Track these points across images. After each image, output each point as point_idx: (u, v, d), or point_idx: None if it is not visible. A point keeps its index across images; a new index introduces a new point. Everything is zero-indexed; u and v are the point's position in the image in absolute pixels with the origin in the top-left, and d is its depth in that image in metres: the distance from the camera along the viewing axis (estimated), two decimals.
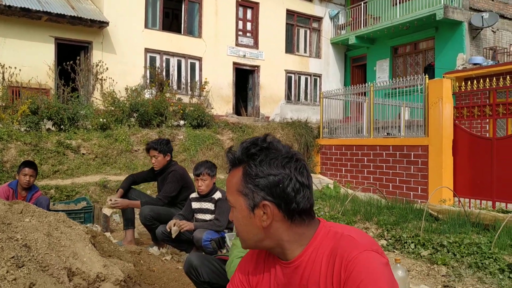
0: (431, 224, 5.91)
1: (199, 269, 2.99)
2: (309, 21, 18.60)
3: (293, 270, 1.31)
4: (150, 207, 4.82)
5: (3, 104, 8.45)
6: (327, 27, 18.84)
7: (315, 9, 18.62)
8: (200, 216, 4.54)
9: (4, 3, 11.50)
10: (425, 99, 9.30)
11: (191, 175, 4.80)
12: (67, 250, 3.38)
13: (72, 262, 3.30)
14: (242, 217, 1.32)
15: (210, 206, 4.49)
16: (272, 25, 17.16)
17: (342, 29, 18.71)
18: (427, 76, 9.47)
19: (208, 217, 4.48)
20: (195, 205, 4.57)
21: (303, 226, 1.31)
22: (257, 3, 17.07)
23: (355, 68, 19.22)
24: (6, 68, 9.95)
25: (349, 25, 18.35)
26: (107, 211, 5.23)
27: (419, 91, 9.53)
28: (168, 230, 4.28)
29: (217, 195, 4.48)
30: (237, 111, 16.98)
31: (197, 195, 4.55)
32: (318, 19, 18.78)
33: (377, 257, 1.20)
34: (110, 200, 4.90)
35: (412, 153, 9.52)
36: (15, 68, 10.09)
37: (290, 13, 17.92)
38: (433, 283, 4.24)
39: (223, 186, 4.53)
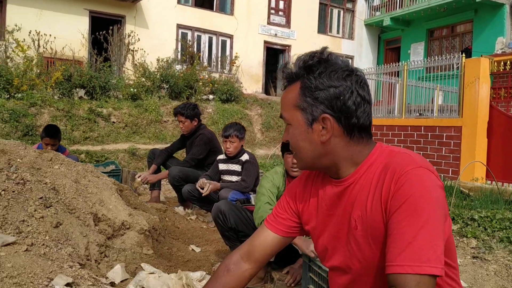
0: (461, 201, 5.74)
1: (227, 214, 3.00)
2: (343, 1, 18.23)
3: (344, 188, 1.28)
4: (179, 168, 4.84)
5: (38, 71, 8.61)
6: (361, 7, 18.42)
7: None
8: (227, 177, 4.53)
9: None
10: (460, 79, 8.98)
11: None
12: (94, 197, 3.43)
13: (98, 209, 3.35)
14: (299, 133, 1.27)
15: (237, 168, 4.47)
16: (305, 5, 16.90)
17: (376, 10, 18.27)
18: (464, 55, 9.14)
19: (234, 178, 4.46)
20: (222, 166, 4.56)
21: (361, 144, 1.27)
22: None
23: (389, 51, 18.78)
24: (42, 35, 10.12)
25: (384, 6, 17.88)
26: (137, 183, 5.17)
27: (454, 74, 9.22)
28: (199, 188, 4.26)
29: (245, 157, 4.45)
30: (267, 90, 16.88)
31: (225, 157, 4.53)
32: (353, 0, 18.38)
33: (432, 177, 1.14)
34: (139, 176, 4.92)
35: (445, 134, 9.25)
36: (50, 35, 10.26)
37: None
38: (462, 254, 4.13)
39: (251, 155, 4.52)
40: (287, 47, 16.83)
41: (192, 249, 3.80)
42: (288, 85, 1.30)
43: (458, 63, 9.10)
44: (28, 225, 2.74)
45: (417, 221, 1.07)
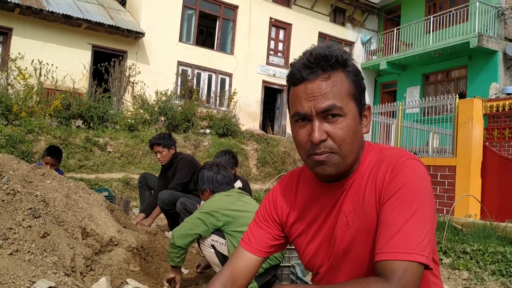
0: (454, 235, 5.72)
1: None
2: (341, 45, 18.72)
3: (345, 189, 1.23)
4: (168, 192, 4.83)
5: (38, 99, 8.73)
6: (358, 51, 18.91)
7: (347, 34, 18.77)
8: None
9: (47, 9, 12.05)
10: (454, 119, 9.13)
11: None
12: (84, 212, 3.42)
13: (87, 223, 3.34)
14: (354, 125, 1.16)
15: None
16: (304, 47, 16.75)
17: (373, 55, 18.74)
18: (457, 96, 9.33)
19: None
20: None
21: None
22: (290, 24, 17.33)
23: (385, 94, 19.12)
24: (44, 64, 10.33)
25: (380, 50, 18.36)
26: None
27: (449, 118, 9.37)
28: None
29: (238, 184, 4.48)
30: (264, 128, 17.04)
31: None
32: (350, 44, 18.89)
33: (424, 169, 1.15)
34: (137, 223, 4.88)
35: (439, 173, 9.30)
36: (52, 65, 10.47)
37: (322, 36, 18.09)
38: (454, 285, 4.08)
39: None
40: (285, 87, 17.09)
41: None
42: (331, 72, 1.15)
43: (452, 104, 9.28)
44: (15, 233, 2.73)
45: (409, 209, 1.06)
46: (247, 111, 15.87)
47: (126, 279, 3.05)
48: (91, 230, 3.29)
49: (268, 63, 16.86)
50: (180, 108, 10.43)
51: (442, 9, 16.51)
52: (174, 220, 4.82)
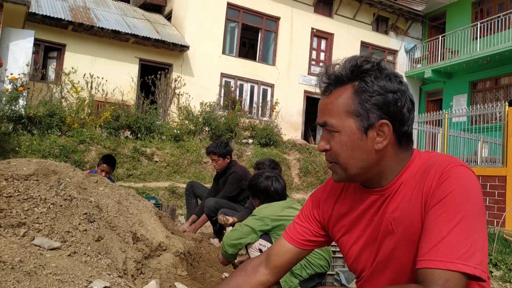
0: (505, 248, 5.52)
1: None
2: (384, 54, 18.50)
3: (385, 197, 1.23)
4: (214, 199, 4.95)
5: (89, 111, 9.15)
6: (402, 60, 18.61)
7: (390, 42, 18.53)
8: None
9: (98, 25, 12.63)
10: (504, 128, 8.81)
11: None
12: (134, 218, 3.57)
13: (138, 229, 3.49)
14: (350, 141, 1.18)
15: None
16: (346, 56, 17.13)
17: (417, 63, 18.39)
18: (507, 103, 9.01)
19: None
20: None
21: (407, 151, 1.23)
22: (332, 34, 17.31)
23: (430, 103, 18.67)
24: (95, 78, 10.85)
25: (425, 58, 18.00)
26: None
27: (498, 126, 9.06)
28: (219, 222, 4.42)
29: None
30: (306, 138, 17.01)
31: None
32: (393, 52, 18.63)
33: (473, 176, 1.12)
34: (184, 231, 5.03)
35: (488, 184, 8.99)
36: (102, 78, 10.96)
37: (364, 45, 17.95)
38: None
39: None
40: None
41: (225, 277, 3.84)
42: (333, 88, 1.20)
43: (501, 112, 8.97)
44: (72, 236, 2.90)
45: (454, 217, 1.03)
46: (289, 121, 15.92)
47: (174, 283, 3.16)
48: (141, 235, 3.44)
49: (310, 73, 16.88)
50: (223, 118, 10.65)
51: (490, 15, 16.02)
52: (219, 227, 4.92)
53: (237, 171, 5.15)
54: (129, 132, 9.69)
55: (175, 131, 9.82)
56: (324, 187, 1.47)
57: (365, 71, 1.18)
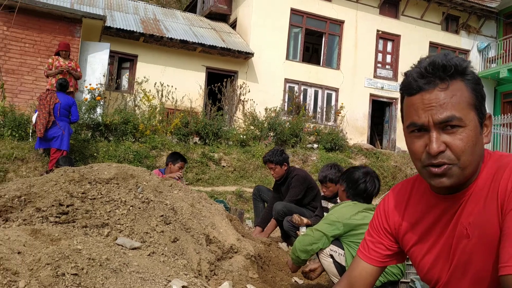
0: None
1: None
2: (454, 54, 17.68)
3: (462, 202, 1.19)
4: (283, 203, 4.99)
5: (160, 118, 9.56)
6: (474, 60, 17.69)
7: (461, 42, 17.71)
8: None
9: (167, 36, 13.17)
10: None
11: None
12: (207, 220, 3.69)
13: (210, 231, 3.60)
14: (475, 136, 1.12)
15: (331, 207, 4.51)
16: (413, 58, 16.43)
17: (492, 62, 17.41)
18: None
19: None
20: (323, 203, 4.64)
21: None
22: (398, 36, 16.85)
23: (506, 104, 17.59)
24: (165, 86, 11.32)
25: (500, 57, 17.00)
26: None
27: None
28: (294, 221, 4.44)
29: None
30: (372, 143, 16.65)
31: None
32: (465, 52, 17.77)
33: None
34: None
35: None
36: (172, 86, 11.42)
37: (433, 46, 17.29)
38: None
39: None
40: (394, 100, 16.62)
41: (295, 281, 3.85)
42: (449, 81, 1.13)
43: None
44: (151, 237, 3.06)
45: None
46: (354, 125, 15.66)
47: (246, 285, 3.22)
48: (213, 237, 3.55)
49: (375, 76, 16.53)
50: (288, 123, 10.70)
51: None
52: (287, 232, 4.95)
53: (299, 174, 5.16)
54: (197, 138, 10.00)
55: (241, 136, 10.02)
56: (390, 197, 1.43)
57: (466, 64, 1.15)
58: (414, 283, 2.81)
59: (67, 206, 3.08)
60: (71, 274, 1.98)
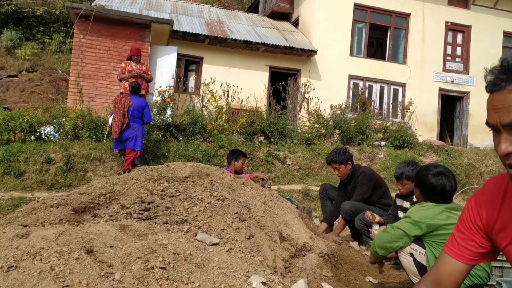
0: None
1: None
2: None
3: None
4: (351, 203, 4.92)
5: (226, 118, 9.75)
6: None
7: None
8: (400, 214, 4.47)
9: (231, 37, 13.40)
10: None
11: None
12: (279, 218, 3.72)
13: (283, 228, 3.62)
14: None
15: (408, 206, 4.38)
16: (486, 49, 15.82)
17: None
18: None
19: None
20: (398, 201, 4.53)
21: None
22: (469, 27, 16.04)
23: None
24: (230, 87, 11.54)
25: None
26: None
27: None
28: (366, 219, 4.36)
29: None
30: (442, 139, 15.96)
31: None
32: None
33: None
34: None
35: None
36: (237, 87, 11.61)
37: (508, 36, 16.29)
38: None
39: None
40: (465, 94, 15.85)
41: (369, 280, 3.80)
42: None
43: None
44: (227, 233, 3.13)
45: None
46: (423, 121, 15.09)
47: (321, 283, 3.22)
48: (286, 235, 3.57)
49: (444, 70, 15.84)
50: (353, 121, 10.52)
51: None
52: (357, 231, 4.88)
53: (365, 171, 5.06)
54: (262, 137, 10.09)
55: (306, 134, 9.98)
56: (483, 192, 1.39)
57: None
58: (501, 286, 2.67)
59: (149, 203, 3.23)
60: (160, 268, 2.08)
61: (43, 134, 8.47)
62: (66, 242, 2.05)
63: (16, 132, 8.19)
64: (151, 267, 2.06)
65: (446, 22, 15.91)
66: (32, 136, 8.38)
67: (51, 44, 16.82)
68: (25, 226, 2.67)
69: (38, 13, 16.27)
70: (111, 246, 2.16)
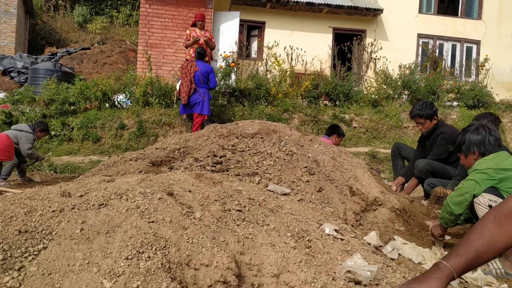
0: None
1: None
2: None
3: None
4: (425, 161, 4.75)
5: (290, 82, 9.68)
6: None
7: None
8: None
9: (293, 0, 13.14)
10: None
11: None
12: (349, 173, 3.70)
13: (353, 183, 3.60)
14: None
15: None
16: None
17: None
18: None
19: None
20: None
21: None
22: None
23: None
24: (294, 49, 11.40)
25: None
26: None
27: None
28: (437, 194, 4.24)
29: None
30: None
31: None
32: None
33: None
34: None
35: None
36: (301, 49, 11.45)
37: None
38: None
39: None
40: None
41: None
42: None
43: None
44: (298, 186, 3.17)
45: None
46: (500, 80, 14.10)
47: (394, 236, 3.18)
48: (356, 189, 3.55)
49: None
50: (424, 81, 10.06)
51: None
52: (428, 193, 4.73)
53: (445, 131, 4.82)
54: (327, 100, 9.95)
55: (372, 96, 9.70)
56: None
57: None
58: None
59: (220, 157, 3.32)
60: (236, 210, 2.16)
61: (116, 101, 8.89)
62: (148, 186, 2.17)
63: (92, 100, 8.65)
64: (228, 209, 2.14)
65: None
66: (107, 104, 8.82)
67: (118, 18, 17.42)
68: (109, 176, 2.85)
69: None
70: (189, 191, 2.26)
